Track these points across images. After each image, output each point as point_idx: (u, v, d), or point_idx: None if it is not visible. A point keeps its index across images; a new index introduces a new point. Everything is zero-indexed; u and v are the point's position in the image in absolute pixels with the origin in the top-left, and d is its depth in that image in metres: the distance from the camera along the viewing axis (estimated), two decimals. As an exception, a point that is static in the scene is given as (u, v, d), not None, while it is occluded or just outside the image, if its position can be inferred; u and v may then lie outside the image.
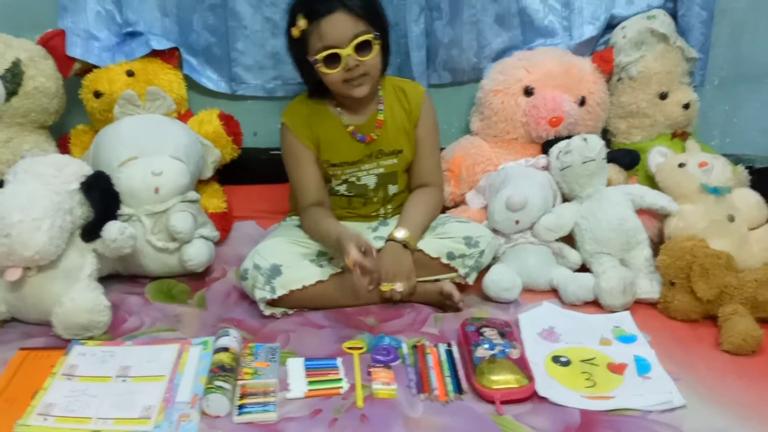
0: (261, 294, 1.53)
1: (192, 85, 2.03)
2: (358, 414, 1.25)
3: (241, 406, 1.25)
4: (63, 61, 1.89)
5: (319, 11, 1.53)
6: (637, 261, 1.66)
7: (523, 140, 1.93)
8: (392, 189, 1.75)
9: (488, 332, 1.41)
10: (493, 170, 1.86)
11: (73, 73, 1.92)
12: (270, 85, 2.05)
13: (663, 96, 1.95)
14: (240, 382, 1.31)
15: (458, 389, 1.32)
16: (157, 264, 1.69)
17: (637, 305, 1.60)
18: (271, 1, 1.94)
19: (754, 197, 1.74)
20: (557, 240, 1.71)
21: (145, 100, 1.89)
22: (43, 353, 1.40)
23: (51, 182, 1.52)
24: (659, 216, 1.73)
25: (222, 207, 1.94)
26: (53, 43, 1.89)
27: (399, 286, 1.55)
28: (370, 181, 1.72)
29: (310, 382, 1.33)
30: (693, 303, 1.53)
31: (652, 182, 1.80)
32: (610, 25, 1.99)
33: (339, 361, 1.39)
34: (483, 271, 1.65)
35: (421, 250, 1.61)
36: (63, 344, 1.43)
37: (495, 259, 1.70)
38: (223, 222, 1.90)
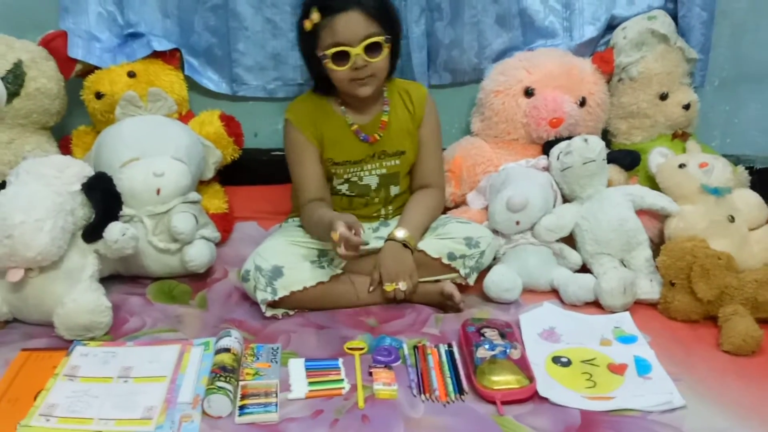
0: (262, 295, 1.53)
1: (193, 86, 2.03)
2: (359, 414, 1.26)
3: (242, 407, 1.25)
4: (64, 63, 1.89)
5: (334, 7, 1.53)
6: (637, 261, 1.66)
7: (523, 141, 1.93)
8: (394, 190, 1.75)
9: (489, 333, 1.42)
10: (493, 171, 1.86)
11: (75, 74, 1.92)
12: (271, 86, 2.04)
13: (663, 97, 1.95)
14: (241, 383, 1.31)
15: (459, 390, 1.32)
16: (158, 265, 1.69)
17: (638, 306, 1.60)
18: (272, 2, 1.94)
19: (754, 198, 1.74)
20: (558, 240, 1.71)
21: (147, 101, 1.89)
22: (45, 354, 1.41)
23: (53, 183, 1.52)
24: (660, 216, 1.73)
25: (223, 208, 1.94)
26: (55, 45, 1.89)
27: (402, 285, 1.56)
28: (372, 181, 1.72)
29: (311, 383, 1.33)
30: (693, 303, 1.53)
31: (652, 183, 1.80)
32: (611, 26, 1.99)
33: (340, 361, 1.39)
34: (484, 272, 1.65)
35: (421, 251, 1.61)
36: (65, 345, 1.44)
37: (495, 260, 1.70)
38: (225, 223, 1.90)
